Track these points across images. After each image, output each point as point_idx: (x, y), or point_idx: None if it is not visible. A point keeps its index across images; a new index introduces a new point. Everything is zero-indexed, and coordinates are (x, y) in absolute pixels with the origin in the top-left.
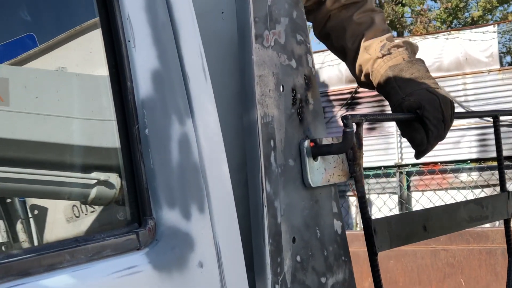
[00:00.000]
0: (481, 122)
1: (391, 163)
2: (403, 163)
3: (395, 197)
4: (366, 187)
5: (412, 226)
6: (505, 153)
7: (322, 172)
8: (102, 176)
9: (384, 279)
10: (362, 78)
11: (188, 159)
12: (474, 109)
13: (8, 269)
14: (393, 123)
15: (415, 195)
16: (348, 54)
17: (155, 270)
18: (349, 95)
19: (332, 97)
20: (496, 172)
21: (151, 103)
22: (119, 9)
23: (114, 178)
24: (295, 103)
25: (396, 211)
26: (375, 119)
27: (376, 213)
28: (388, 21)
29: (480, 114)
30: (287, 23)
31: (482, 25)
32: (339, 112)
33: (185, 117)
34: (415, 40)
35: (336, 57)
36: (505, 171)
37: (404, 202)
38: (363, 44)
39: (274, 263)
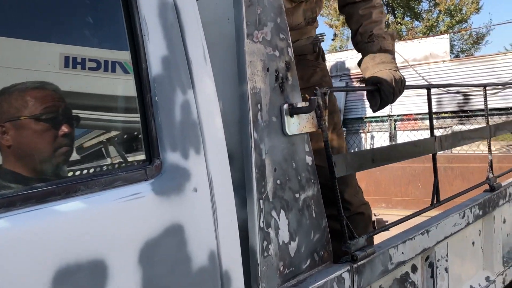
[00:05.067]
0: (438, 92)
1: (385, 113)
2: (392, 114)
3: (387, 134)
4: (370, 128)
5: (363, 160)
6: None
7: (297, 125)
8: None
9: (374, 182)
10: (357, 50)
11: (188, 117)
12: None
13: (29, 197)
14: None
15: (398, 133)
16: (351, 32)
17: (156, 195)
18: (361, 75)
19: (352, 77)
20: (446, 120)
21: (160, 79)
22: (138, 13)
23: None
24: (278, 80)
25: (387, 142)
26: (342, 90)
27: (376, 143)
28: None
29: (416, 87)
30: (272, 26)
31: (441, 34)
32: (356, 84)
33: (187, 88)
34: (407, 42)
35: (355, 53)
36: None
37: (392, 136)
38: (359, 30)
39: (259, 185)
